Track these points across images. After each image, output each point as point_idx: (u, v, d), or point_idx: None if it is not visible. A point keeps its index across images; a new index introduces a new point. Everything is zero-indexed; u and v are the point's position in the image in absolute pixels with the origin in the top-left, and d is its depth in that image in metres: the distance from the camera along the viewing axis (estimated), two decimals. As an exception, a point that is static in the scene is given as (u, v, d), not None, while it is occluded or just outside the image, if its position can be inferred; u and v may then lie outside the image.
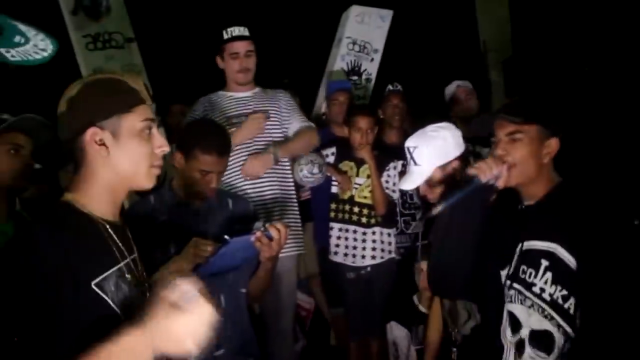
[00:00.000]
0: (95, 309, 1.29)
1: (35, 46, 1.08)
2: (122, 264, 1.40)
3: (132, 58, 4.43)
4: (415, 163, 2.28)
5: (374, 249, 3.64)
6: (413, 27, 5.82)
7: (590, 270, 1.62)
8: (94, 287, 1.29)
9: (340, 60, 5.06)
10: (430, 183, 2.27)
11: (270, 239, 2.04)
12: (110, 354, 1.14)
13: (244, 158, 3.01)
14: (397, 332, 3.48)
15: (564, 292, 1.67)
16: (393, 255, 3.69)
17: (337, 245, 3.67)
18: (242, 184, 3.00)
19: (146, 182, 1.43)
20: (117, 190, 1.43)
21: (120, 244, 1.41)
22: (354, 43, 5.10)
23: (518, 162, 1.75)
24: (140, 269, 1.50)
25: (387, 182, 3.64)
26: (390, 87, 4.06)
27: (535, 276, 1.73)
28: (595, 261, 1.61)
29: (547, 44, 5.15)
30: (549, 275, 1.70)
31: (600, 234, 1.64)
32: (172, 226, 2.21)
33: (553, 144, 1.77)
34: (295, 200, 3.21)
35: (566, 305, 1.67)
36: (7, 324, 1.20)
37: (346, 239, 3.65)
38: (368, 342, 3.76)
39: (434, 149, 2.27)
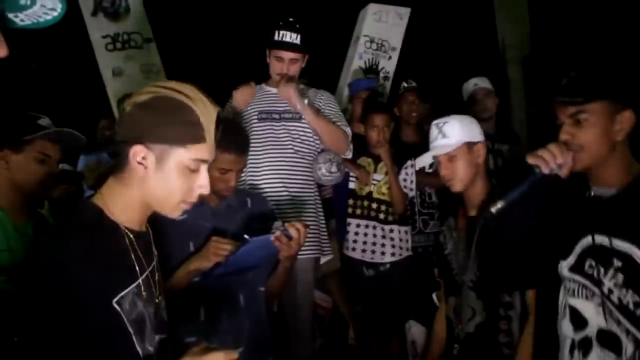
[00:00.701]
0: (112, 325, 1.31)
1: (43, 6, 1.07)
2: (140, 279, 1.42)
3: (151, 58, 4.47)
4: (443, 136, 2.25)
5: (393, 246, 3.64)
6: (431, 25, 5.80)
7: None
8: (114, 305, 1.31)
9: (357, 58, 5.06)
10: (451, 157, 2.23)
11: (290, 238, 2.05)
12: None
13: (275, 153, 3.02)
14: (415, 330, 3.48)
15: (636, 298, 1.50)
16: (410, 253, 3.69)
17: (355, 241, 3.67)
18: (261, 183, 3.00)
19: (172, 213, 1.45)
20: (145, 207, 1.44)
21: (141, 256, 1.44)
22: (372, 41, 5.10)
23: (586, 145, 1.58)
24: (157, 277, 1.52)
25: (404, 180, 3.63)
26: (404, 84, 4.05)
27: (605, 275, 1.57)
28: None
29: (566, 41, 5.10)
30: (620, 277, 1.53)
31: None
32: (191, 225, 2.22)
33: (626, 117, 1.57)
34: (316, 201, 3.18)
35: (638, 313, 1.50)
36: (26, 336, 1.23)
37: (365, 234, 3.66)
38: (388, 340, 3.76)
39: (466, 124, 2.28)
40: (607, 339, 1.58)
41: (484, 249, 1.80)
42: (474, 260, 1.88)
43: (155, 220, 2.23)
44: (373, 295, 3.68)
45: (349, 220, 3.72)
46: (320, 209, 3.17)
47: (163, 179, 1.37)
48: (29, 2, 1.04)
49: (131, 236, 1.41)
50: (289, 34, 3.04)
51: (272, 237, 2.04)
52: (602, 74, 1.63)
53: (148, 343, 1.41)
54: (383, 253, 3.64)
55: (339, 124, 3.18)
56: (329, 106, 3.22)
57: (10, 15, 1.03)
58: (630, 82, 1.62)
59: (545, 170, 1.59)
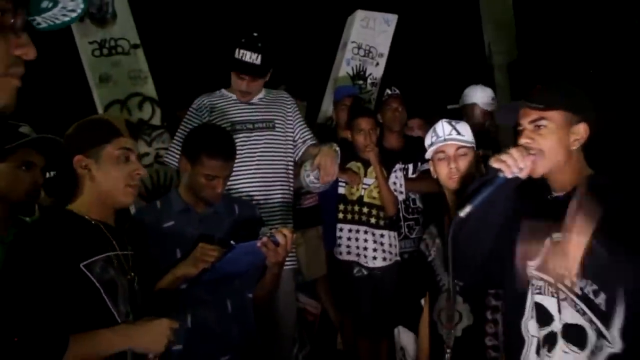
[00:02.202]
0: (81, 285, 1.63)
1: (64, 8, 1.13)
2: (111, 253, 1.74)
3: (138, 64, 4.45)
4: (458, 133, 2.29)
5: (383, 251, 3.66)
6: (418, 32, 5.82)
7: (630, 271, 1.56)
8: (82, 267, 1.64)
9: (345, 64, 5.08)
10: (462, 154, 2.27)
11: (277, 244, 2.05)
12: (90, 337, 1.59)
13: (250, 163, 3.00)
14: (404, 336, 3.48)
15: (595, 286, 1.61)
16: (398, 258, 3.71)
17: (348, 246, 3.69)
18: (248, 189, 2.99)
19: (123, 198, 1.80)
20: (104, 204, 1.79)
21: (112, 240, 1.77)
22: (359, 47, 5.11)
23: (545, 149, 1.68)
24: (132, 264, 1.81)
25: (394, 183, 3.65)
26: (388, 91, 4.06)
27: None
28: (634, 257, 1.55)
29: (552, 47, 5.15)
30: (578, 268, 1.64)
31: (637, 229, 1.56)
32: (178, 231, 2.22)
33: (581, 129, 1.70)
34: (289, 211, 3.14)
35: (597, 301, 1.61)
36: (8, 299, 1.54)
37: (357, 239, 3.67)
38: (377, 344, 3.77)
39: (471, 131, 2.34)
40: (572, 333, 1.67)
41: (457, 253, 1.85)
42: (450, 264, 1.91)
43: (143, 227, 2.24)
44: (365, 297, 3.69)
45: (340, 225, 3.73)
46: (290, 219, 3.15)
47: (105, 173, 1.76)
48: (50, 5, 1.08)
49: (101, 226, 1.75)
50: (249, 53, 2.96)
51: (258, 243, 2.04)
52: (563, 88, 1.79)
53: (122, 306, 1.71)
54: (374, 258, 3.65)
55: (312, 141, 3.18)
56: (294, 112, 3.20)
57: (29, 19, 1.06)
58: (588, 98, 1.76)
59: (508, 174, 1.68)
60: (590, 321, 1.63)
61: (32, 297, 1.54)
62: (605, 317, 1.60)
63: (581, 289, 1.64)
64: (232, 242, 2.00)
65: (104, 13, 4.32)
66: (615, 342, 1.59)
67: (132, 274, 1.81)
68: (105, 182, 1.76)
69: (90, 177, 1.76)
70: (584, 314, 1.64)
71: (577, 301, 1.65)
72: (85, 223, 1.73)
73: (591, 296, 1.62)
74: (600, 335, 1.61)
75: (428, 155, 2.38)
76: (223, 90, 3.14)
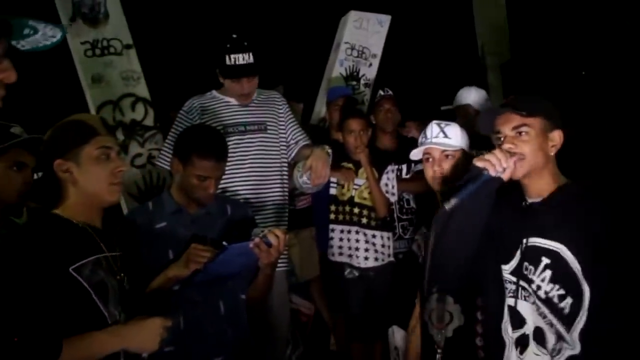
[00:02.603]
0: (71, 289, 1.63)
1: (44, 34, 1.17)
2: (99, 255, 1.73)
3: (131, 64, 4.43)
4: (445, 135, 2.32)
5: (376, 251, 3.66)
6: (411, 32, 5.83)
7: (602, 275, 1.62)
8: (71, 271, 1.64)
9: (338, 65, 5.08)
10: (447, 156, 2.29)
11: (269, 245, 2.04)
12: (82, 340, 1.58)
13: (243, 166, 2.99)
14: (398, 336, 3.48)
15: (562, 291, 1.68)
16: (392, 258, 3.71)
17: (340, 247, 3.68)
18: (242, 192, 2.98)
19: (108, 197, 1.79)
20: (89, 206, 1.78)
21: (100, 242, 1.76)
22: (353, 48, 5.11)
23: (527, 154, 1.77)
24: (120, 265, 1.81)
25: (386, 184, 3.65)
26: (381, 92, 4.07)
27: (534, 273, 1.75)
28: (608, 267, 1.62)
29: (544, 48, 5.16)
30: (547, 273, 1.72)
31: (613, 239, 1.64)
32: (170, 232, 2.21)
33: (556, 136, 1.80)
34: (283, 213, 3.14)
35: (561, 305, 1.68)
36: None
37: (348, 240, 3.67)
38: (370, 345, 3.77)
39: (464, 133, 2.37)
40: (541, 335, 1.75)
41: (437, 249, 1.90)
42: (429, 262, 1.95)
43: (135, 228, 2.23)
44: (357, 298, 3.69)
45: (332, 226, 3.73)
46: (286, 221, 3.15)
47: (87, 174, 1.74)
48: (31, 32, 1.12)
49: (88, 229, 1.74)
50: (240, 55, 2.94)
51: (250, 244, 2.04)
52: (538, 98, 1.88)
53: (113, 307, 1.72)
54: (366, 258, 3.65)
55: (306, 141, 3.18)
56: (286, 113, 3.19)
57: (13, 43, 1.12)
58: (559, 109, 1.86)
59: (492, 173, 1.76)
60: (551, 324, 1.71)
61: (23, 303, 1.54)
62: (567, 321, 1.68)
63: (546, 292, 1.72)
64: (224, 243, 1.99)
65: (96, 13, 4.30)
66: (574, 345, 1.67)
67: (122, 274, 1.81)
68: (89, 183, 1.75)
69: (73, 180, 1.75)
70: (544, 317, 1.72)
71: (540, 304, 1.73)
72: (72, 227, 1.73)
73: (555, 300, 1.69)
74: (560, 338, 1.69)
75: (417, 156, 2.40)
76: (214, 92, 3.12)
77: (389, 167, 3.69)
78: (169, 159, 2.79)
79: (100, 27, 4.33)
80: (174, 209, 2.27)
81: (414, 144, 4.06)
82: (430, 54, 6.01)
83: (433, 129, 2.35)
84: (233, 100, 3.07)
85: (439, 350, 2.24)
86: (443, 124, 2.36)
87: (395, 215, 3.82)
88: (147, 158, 4.33)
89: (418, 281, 2.44)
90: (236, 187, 2.96)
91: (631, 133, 3.90)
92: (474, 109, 4.02)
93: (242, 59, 2.95)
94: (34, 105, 4.40)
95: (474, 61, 6.04)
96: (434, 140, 2.32)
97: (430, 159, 2.32)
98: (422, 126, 4.11)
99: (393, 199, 3.69)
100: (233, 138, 2.92)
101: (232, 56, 2.94)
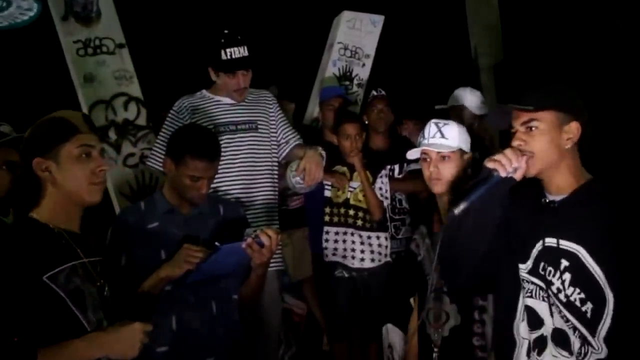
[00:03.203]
0: (46, 297, 1.57)
1: (20, 7, 1.14)
2: (76, 262, 1.67)
3: (124, 64, 4.41)
4: (442, 136, 2.28)
5: (372, 252, 3.67)
6: (404, 33, 5.83)
7: (622, 283, 1.56)
8: (45, 279, 1.57)
9: (331, 65, 5.07)
10: (444, 158, 2.27)
11: (261, 245, 2.05)
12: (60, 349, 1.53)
13: (234, 165, 2.98)
14: (393, 334, 3.49)
15: (582, 295, 1.62)
16: (388, 259, 3.72)
17: (335, 249, 3.69)
18: (232, 191, 2.98)
19: (89, 197, 1.72)
20: (69, 207, 1.72)
21: (76, 248, 1.69)
22: (346, 48, 5.11)
23: (537, 151, 1.68)
24: (100, 270, 1.75)
25: (380, 188, 3.67)
26: (374, 92, 4.09)
27: (554, 275, 1.68)
28: (634, 271, 1.55)
29: (537, 49, 5.18)
30: (567, 276, 1.65)
31: (638, 241, 1.56)
32: (162, 232, 2.21)
33: (573, 128, 1.69)
34: (274, 212, 3.13)
35: (583, 309, 1.61)
36: None
37: (344, 241, 3.68)
38: (364, 346, 3.78)
39: (463, 132, 2.33)
40: (560, 337, 1.68)
41: (447, 251, 1.85)
42: (436, 264, 1.91)
43: (127, 228, 2.22)
44: (343, 298, 3.70)
45: (327, 228, 3.74)
46: (276, 220, 3.14)
47: (67, 173, 1.67)
48: (4, 4, 1.07)
49: (64, 234, 1.68)
50: (236, 49, 2.94)
51: (243, 245, 2.04)
52: (553, 88, 1.76)
53: (92, 314, 1.66)
54: (362, 259, 3.67)
55: (298, 141, 3.18)
56: (276, 113, 3.19)
57: None
58: (577, 97, 1.75)
59: (502, 174, 1.67)
60: (574, 328, 1.64)
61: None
62: (591, 325, 1.61)
63: (567, 296, 1.65)
64: (216, 243, 1.99)
65: (88, 12, 4.28)
66: (601, 349, 1.60)
67: (102, 280, 1.75)
68: (68, 182, 1.68)
69: (52, 180, 1.68)
70: (567, 320, 1.65)
71: (562, 308, 1.66)
72: (48, 232, 1.66)
73: (577, 304, 1.63)
74: (585, 341, 1.62)
75: (415, 155, 2.38)
76: (204, 92, 3.11)
77: (383, 172, 3.72)
78: (160, 159, 2.78)
79: (92, 26, 4.31)
80: (166, 208, 2.26)
81: (407, 143, 4.11)
82: (424, 55, 6.01)
83: (431, 128, 2.32)
84: (224, 99, 3.07)
85: (435, 349, 2.25)
86: (441, 123, 2.33)
87: (387, 215, 3.83)
88: (139, 158, 4.31)
89: (416, 280, 2.45)
90: (227, 187, 2.95)
91: (628, 133, 3.92)
92: (468, 110, 4.02)
93: (238, 52, 2.95)
94: (26, 104, 4.38)
95: (466, 62, 6.05)
96: (430, 141, 2.30)
97: (428, 159, 2.30)
98: (420, 125, 4.14)
99: (387, 202, 3.72)
100: (224, 137, 2.91)
101: (228, 50, 2.94)
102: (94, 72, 4.29)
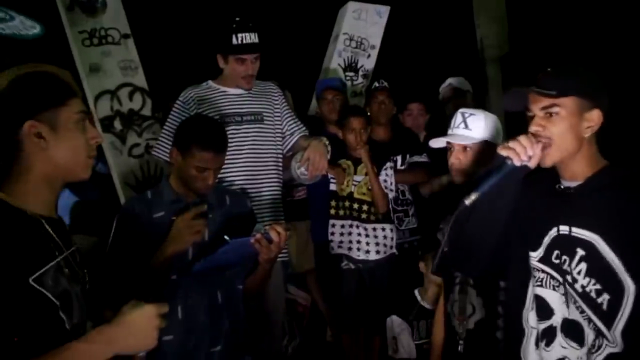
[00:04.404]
0: (36, 303, 1.30)
1: (23, 23, 1.09)
2: (59, 258, 1.40)
3: (129, 54, 4.41)
4: (466, 126, 2.26)
5: (377, 244, 3.68)
6: (410, 24, 5.81)
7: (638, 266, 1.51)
8: (32, 282, 1.30)
9: (337, 56, 5.06)
10: (467, 149, 2.25)
11: (270, 241, 2.06)
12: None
13: (239, 156, 2.98)
14: (397, 326, 3.50)
15: (598, 286, 1.57)
16: (394, 250, 3.73)
17: (341, 242, 3.69)
18: (237, 182, 2.98)
19: (83, 172, 1.47)
20: (53, 184, 1.43)
21: (57, 239, 1.42)
22: (351, 39, 5.10)
23: (555, 138, 1.61)
24: (79, 261, 1.50)
25: (385, 180, 3.68)
26: (376, 83, 4.10)
27: (569, 264, 1.63)
28: None
29: (544, 41, 5.15)
30: (583, 266, 1.60)
31: None
32: (168, 221, 2.21)
33: (595, 116, 1.62)
34: (278, 204, 3.14)
35: (599, 300, 1.57)
36: None
37: (349, 234, 3.69)
38: (368, 337, 3.80)
39: (491, 122, 2.28)
40: (571, 328, 1.64)
41: (457, 241, 1.82)
42: (444, 250, 1.89)
43: (133, 217, 2.23)
44: (349, 290, 3.71)
45: (333, 221, 3.75)
46: (281, 212, 3.15)
47: (64, 141, 1.40)
48: (8, 17, 1.05)
49: (42, 221, 1.39)
50: (247, 35, 2.96)
51: (252, 240, 2.05)
52: (576, 72, 1.69)
53: (76, 318, 1.41)
54: (367, 251, 3.68)
55: (304, 132, 3.19)
56: (282, 104, 3.20)
57: None
58: (602, 83, 1.68)
59: (517, 162, 1.61)
60: (589, 319, 1.59)
61: None
62: (607, 317, 1.56)
63: (582, 286, 1.60)
64: (226, 237, 2.01)
65: (93, 2, 4.27)
66: (616, 342, 1.56)
67: (84, 271, 1.51)
68: (64, 154, 1.40)
69: (42, 149, 1.37)
70: (582, 312, 1.61)
71: (577, 298, 1.61)
72: (25, 219, 1.35)
73: (593, 295, 1.58)
74: (599, 334, 1.58)
75: (439, 144, 2.37)
76: (210, 82, 3.12)
77: (387, 164, 3.73)
78: (166, 149, 2.79)
79: (98, 17, 4.30)
80: (172, 198, 2.27)
81: (409, 135, 4.11)
82: (429, 46, 5.99)
83: (457, 118, 2.30)
84: (230, 90, 3.07)
85: (460, 342, 2.25)
86: (467, 113, 2.30)
87: (390, 207, 3.83)
88: (144, 148, 4.32)
89: (444, 269, 2.41)
90: (232, 178, 2.96)
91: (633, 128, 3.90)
92: (454, 88, 4.10)
93: (249, 37, 2.96)
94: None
95: (472, 54, 6.02)
96: (454, 131, 2.28)
97: (451, 149, 2.29)
98: (424, 110, 4.16)
99: (391, 195, 3.72)
100: (229, 128, 2.91)
101: (240, 35, 2.95)
102: (100, 62, 4.29)
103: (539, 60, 4.99)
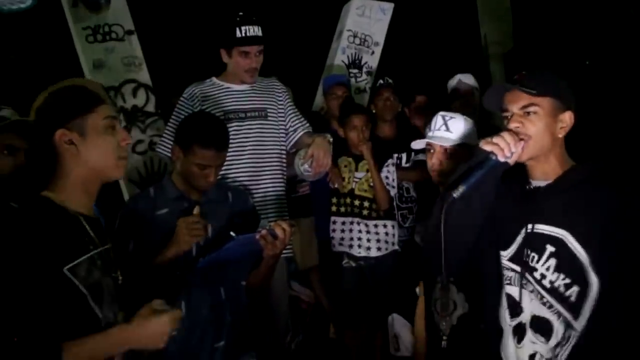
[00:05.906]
0: (66, 291, 1.46)
1: None
2: (93, 252, 1.55)
3: (133, 50, 4.43)
4: (447, 129, 2.29)
5: (378, 240, 3.68)
6: (414, 20, 5.80)
7: (610, 263, 1.58)
8: (65, 271, 1.46)
9: (340, 53, 5.06)
10: (446, 150, 2.28)
11: (275, 237, 2.07)
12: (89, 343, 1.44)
13: (243, 152, 2.99)
14: (398, 324, 3.50)
15: (567, 280, 1.63)
16: (396, 247, 3.73)
17: (342, 238, 3.69)
18: (240, 178, 2.98)
19: (116, 172, 1.63)
20: (89, 184, 1.60)
21: (93, 235, 1.58)
22: (355, 36, 5.10)
23: (533, 135, 1.68)
24: (113, 259, 1.65)
25: (386, 177, 3.67)
26: (381, 81, 4.09)
27: (538, 261, 1.69)
28: (617, 254, 1.57)
29: (548, 37, 5.14)
30: (552, 262, 1.66)
31: (622, 225, 1.58)
32: (171, 218, 2.21)
33: (567, 117, 1.72)
34: (282, 200, 3.14)
35: (568, 293, 1.63)
36: None
37: (350, 230, 3.69)
38: (370, 334, 3.80)
39: (469, 125, 2.33)
40: (539, 324, 1.70)
41: (436, 236, 1.83)
42: (427, 252, 1.91)
43: (136, 214, 2.23)
44: (352, 287, 3.72)
45: (334, 218, 3.75)
46: (285, 208, 3.15)
47: (94, 146, 1.56)
48: None
49: (80, 218, 1.55)
50: (251, 27, 2.98)
51: (257, 236, 2.05)
52: (551, 76, 1.77)
53: (107, 310, 1.56)
54: (369, 248, 3.67)
55: (308, 129, 3.18)
56: (285, 100, 3.19)
57: None
58: (571, 90, 1.77)
59: (501, 158, 1.67)
60: (558, 313, 1.65)
61: (19, 304, 1.38)
62: (575, 309, 1.63)
63: (551, 282, 1.66)
64: (231, 233, 2.01)
65: (98, -1, 4.29)
66: (581, 329, 1.62)
67: (117, 269, 1.66)
68: (95, 157, 1.56)
69: (75, 154, 1.55)
70: (550, 307, 1.67)
71: (544, 294, 1.67)
72: (65, 215, 1.52)
73: (561, 289, 1.64)
74: (568, 326, 1.64)
75: (420, 145, 2.40)
76: (214, 79, 3.12)
77: (390, 161, 3.72)
78: (169, 147, 2.79)
79: (102, 13, 4.32)
80: (175, 195, 2.27)
81: (414, 132, 4.10)
82: (433, 43, 5.98)
83: (437, 121, 2.33)
84: (233, 86, 3.07)
85: (444, 338, 2.26)
86: (448, 116, 2.34)
87: (395, 204, 3.83)
88: (148, 144, 4.34)
89: (421, 270, 2.45)
90: (235, 174, 2.96)
91: (635, 122, 3.89)
92: (465, 84, 4.11)
93: (253, 30, 2.98)
94: (36, 91, 4.39)
95: (476, 50, 6.01)
96: (435, 134, 2.32)
97: (432, 151, 2.32)
98: (431, 103, 4.16)
99: (393, 192, 3.72)
100: (232, 124, 2.92)
101: (243, 28, 2.96)
102: (103, 58, 4.31)
103: (542, 57, 4.99)
